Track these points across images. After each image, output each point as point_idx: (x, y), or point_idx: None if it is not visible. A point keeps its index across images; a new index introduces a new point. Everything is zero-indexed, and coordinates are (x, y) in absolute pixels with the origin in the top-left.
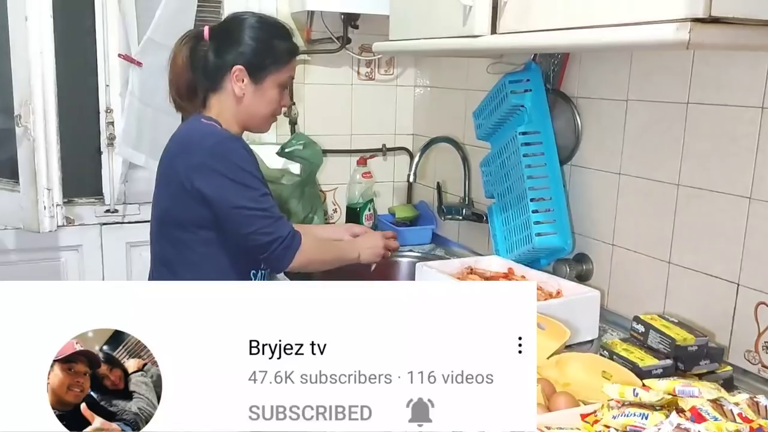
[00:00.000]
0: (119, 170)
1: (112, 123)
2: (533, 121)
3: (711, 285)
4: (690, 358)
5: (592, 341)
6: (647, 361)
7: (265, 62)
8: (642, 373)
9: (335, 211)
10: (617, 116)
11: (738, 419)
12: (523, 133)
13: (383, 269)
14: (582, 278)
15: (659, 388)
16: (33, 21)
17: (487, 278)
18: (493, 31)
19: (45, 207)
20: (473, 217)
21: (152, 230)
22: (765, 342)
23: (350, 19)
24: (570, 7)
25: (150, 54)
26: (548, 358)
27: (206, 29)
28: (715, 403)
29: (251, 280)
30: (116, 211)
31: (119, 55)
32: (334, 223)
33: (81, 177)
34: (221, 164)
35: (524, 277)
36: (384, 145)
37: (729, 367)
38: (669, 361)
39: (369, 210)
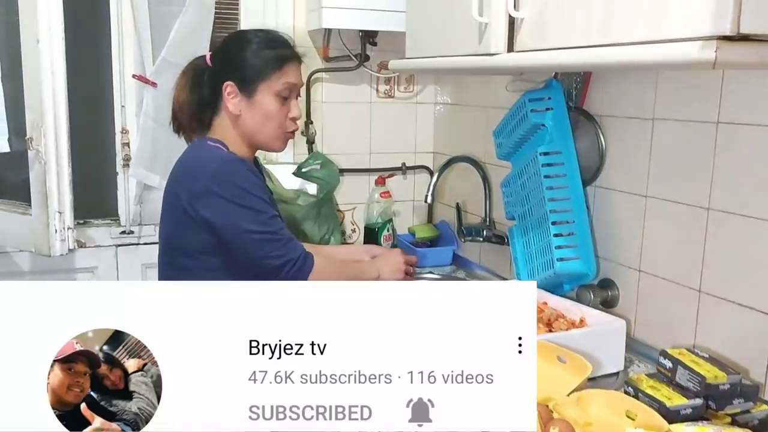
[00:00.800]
0: (134, 191)
1: (128, 144)
2: (554, 141)
3: (745, 316)
4: (722, 397)
5: (617, 374)
6: (675, 400)
7: (252, 73)
8: (670, 414)
9: (354, 231)
10: (643, 136)
11: None
12: (544, 153)
13: None
14: (607, 305)
15: None
16: (44, 43)
17: None
18: (510, 49)
19: (56, 230)
20: (494, 239)
21: (159, 256)
22: None
23: (368, 36)
24: (588, 25)
25: (165, 74)
26: (569, 395)
27: (208, 56)
28: None
29: None
30: (132, 232)
31: (133, 76)
32: (352, 243)
33: (97, 198)
34: (225, 189)
35: (546, 303)
36: (404, 164)
37: (765, 406)
38: (699, 401)
39: (387, 230)
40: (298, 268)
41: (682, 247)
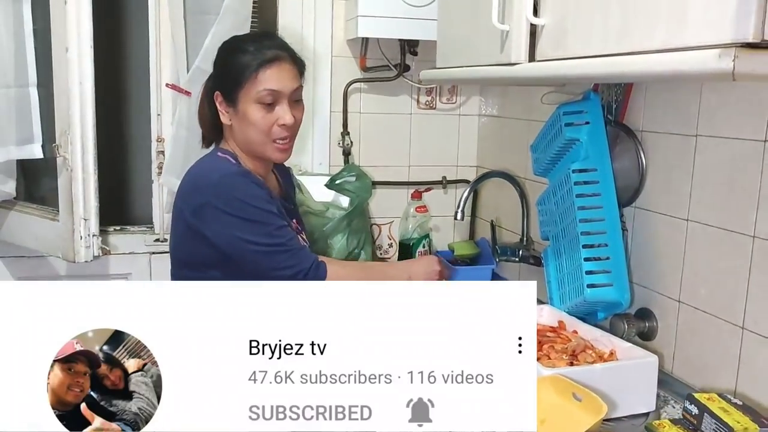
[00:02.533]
0: (166, 199)
1: (163, 152)
2: (590, 157)
3: None
4: None
5: (647, 414)
6: None
7: (230, 82)
8: None
9: (390, 245)
10: (685, 154)
11: None
12: (578, 171)
13: None
14: (644, 337)
15: None
16: (73, 51)
17: None
18: (531, 58)
19: (81, 237)
20: (531, 260)
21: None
22: None
23: (409, 46)
24: (606, 32)
25: (198, 83)
26: None
27: None
28: None
29: None
30: (165, 240)
31: (167, 85)
32: (388, 258)
33: (134, 205)
34: (225, 203)
35: (576, 332)
36: (444, 178)
37: None
38: None
39: (423, 246)
40: (311, 278)
41: (724, 278)
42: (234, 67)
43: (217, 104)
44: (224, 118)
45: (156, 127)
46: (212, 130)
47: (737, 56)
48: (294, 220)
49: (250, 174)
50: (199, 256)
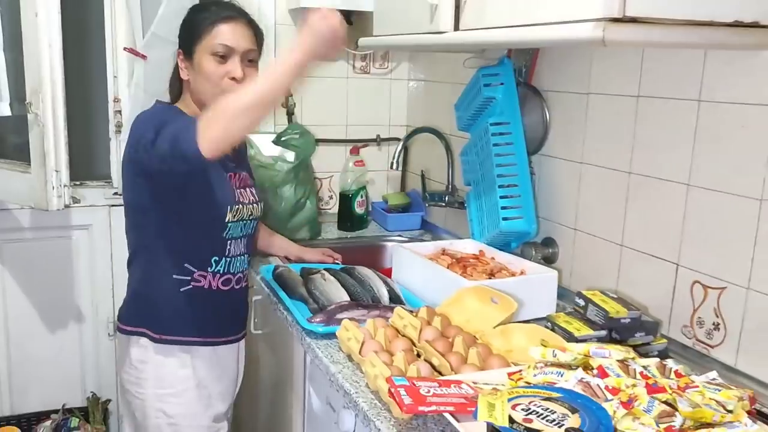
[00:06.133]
0: None
1: (120, 111)
2: (504, 113)
3: (655, 266)
4: (624, 330)
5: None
6: (583, 331)
7: (189, 36)
8: (578, 342)
9: (330, 197)
10: (580, 109)
11: (638, 376)
12: (494, 124)
13: (373, 251)
14: (548, 260)
15: (575, 350)
16: (42, 16)
17: (457, 259)
18: (456, 28)
19: (53, 187)
20: (456, 204)
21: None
22: (699, 318)
23: (346, 16)
24: (513, 7)
25: (154, 48)
26: (495, 327)
27: None
28: (622, 363)
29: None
30: None
31: (125, 48)
32: (329, 209)
33: (92, 162)
34: (143, 120)
35: (494, 258)
36: (378, 136)
37: (664, 340)
38: (603, 332)
39: (361, 197)
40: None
41: (608, 208)
42: (193, 23)
43: (179, 61)
44: (183, 74)
45: (113, 88)
46: (177, 94)
47: (606, 28)
48: (245, 173)
49: (172, 106)
50: (140, 194)
